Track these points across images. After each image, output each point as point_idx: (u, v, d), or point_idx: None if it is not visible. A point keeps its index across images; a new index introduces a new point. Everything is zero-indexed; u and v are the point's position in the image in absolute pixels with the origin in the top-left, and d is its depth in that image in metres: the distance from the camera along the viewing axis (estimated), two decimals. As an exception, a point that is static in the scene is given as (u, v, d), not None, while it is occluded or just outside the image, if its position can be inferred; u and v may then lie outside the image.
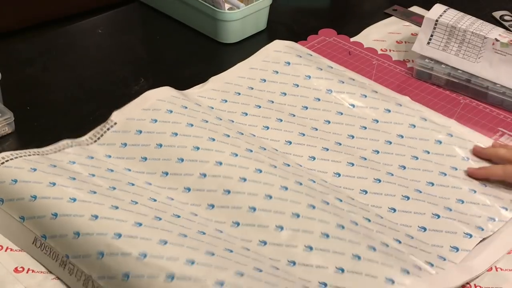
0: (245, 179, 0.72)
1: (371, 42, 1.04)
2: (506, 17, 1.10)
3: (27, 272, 0.66)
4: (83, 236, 0.64)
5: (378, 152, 0.80)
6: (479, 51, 0.93)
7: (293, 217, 0.69)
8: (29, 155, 0.73)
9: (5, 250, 0.68)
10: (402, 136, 0.83)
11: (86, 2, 1.85)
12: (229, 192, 0.71)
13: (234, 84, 0.90)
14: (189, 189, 0.72)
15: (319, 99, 0.87)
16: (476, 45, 0.93)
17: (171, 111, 0.80)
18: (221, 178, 0.72)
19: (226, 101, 0.86)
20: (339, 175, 0.77)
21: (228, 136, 0.78)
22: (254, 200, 0.70)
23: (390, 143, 0.82)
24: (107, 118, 0.81)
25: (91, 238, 0.63)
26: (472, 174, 0.79)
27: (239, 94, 0.88)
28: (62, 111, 0.89)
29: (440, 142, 0.82)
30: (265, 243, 0.67)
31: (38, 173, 0.69)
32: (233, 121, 0.83)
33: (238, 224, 0.68)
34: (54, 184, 0.68)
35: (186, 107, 0.81)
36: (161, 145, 0.76)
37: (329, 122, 0.84)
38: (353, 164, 0.78)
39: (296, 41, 1.03)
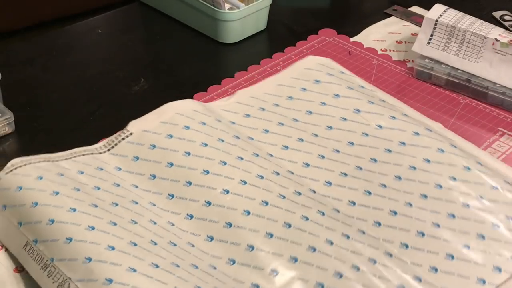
0: (248, 212, 0.70)
1: (371, 42, 1.04)
2: (506, 17, 1.10)
3: (27, 272, 0.66)
4: (75, 242, 0.63)
5: (400, 178, 0.75)
6: (479, 51, 0.93)
7: (290, 261, 0.66)
8: (39, 161, 0.73)
9: (5, 250, 0.68)
10: (428, 161, 0.76)
11: (86, 2, 1.85)
12: (230, 225, 0.69)
13: (259, 99, 0.86)
14: (191, 216, 0.70)
15: (345, 119, 0.82)
16: (476, 45, 0.93)
17: (188, 127, 0.78)
18: (225, 208, 0.70)
19: (249, 115, 0.83)
20: (354, 203, 0.73)
21: (242, 159, 0.75)
22: (255, 238, 0.68)
23: (414, 168, 0.76)
24: (107, 118, 0.81)
25: (83, 244, 0.63)
26: None
27: (263, 110, 0.84)
28: (62, 111, 0.89)
29: (469, 169, 0.75)
30: (257, 286, 0.64)
31: (44, 181, 0.69)
32: (252, 139, 0.80)
33: (233, 262, 0.66)
34: (57, 193, 0.68)
35: (204, 123, 0.79)
36: (172, 164, 0.75)
37: (352, 143, 0.79)
38: (370, 193, 0.74)
39: (296, 41, 1.03)
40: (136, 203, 0.71)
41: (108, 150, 0.77)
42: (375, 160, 0.77)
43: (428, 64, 0.95)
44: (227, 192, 0.72)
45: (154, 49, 1.05)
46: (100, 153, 0.77)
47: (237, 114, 0.84)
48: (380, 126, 0.81)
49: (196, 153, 0.75)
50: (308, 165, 0.78)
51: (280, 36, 1.07)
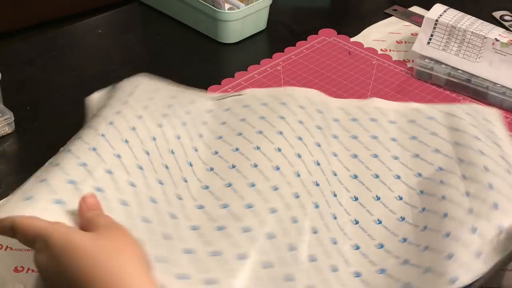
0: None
1: (371, 42, 1.04)
2: (506, 17, 1.10)
3: (27, 272, 0.66)
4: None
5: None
6: (479, 51, 0.93)
7: None
8: None
9: (5, 249, 0.68)
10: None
11: (86, 2, 1.85)
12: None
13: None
14: (226, 206, 0.68)
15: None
16: (476, 45, 0.93)
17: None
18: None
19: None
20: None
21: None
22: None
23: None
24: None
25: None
26: None
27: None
28: (62, 111, 0.89)
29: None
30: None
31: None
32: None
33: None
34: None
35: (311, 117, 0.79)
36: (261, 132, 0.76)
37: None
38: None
39: (296, 41, 1.03)
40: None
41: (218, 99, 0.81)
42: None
43: (428, 64, 0.95)
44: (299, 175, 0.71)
45: (154, 49, 1.05)
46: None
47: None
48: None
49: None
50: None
51: (280, 36, 1.07)
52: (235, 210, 0.67)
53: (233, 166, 0.73)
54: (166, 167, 0.71)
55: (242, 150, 0.74)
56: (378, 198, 0.72)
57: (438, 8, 0.98)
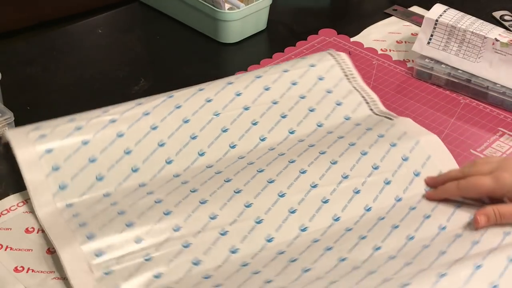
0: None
1: (371, 42, 1.04)
2: (506, 17, 1.10)
3: (27, 272, 0.66)
4: None
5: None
6: (479, 51, 0.93)
7: None
8: None
9: (5, 249, 0.68)
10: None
11: (86, 2, 1.85)
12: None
13: None
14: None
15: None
16: (476, 45, 0.93)
17: None
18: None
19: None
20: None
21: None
22: None
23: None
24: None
25: None
26: (429, 197, 0.75)
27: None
28: (62, 111, 0.88)
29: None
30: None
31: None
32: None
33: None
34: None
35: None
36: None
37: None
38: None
39: (296, 41, 1.03)
40: None
41: None
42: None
43: (428, 64, 0.95)
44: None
45: (154, 49, 1.05)
46: None
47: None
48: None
49: None
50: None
51: (280, 36, 1.07)
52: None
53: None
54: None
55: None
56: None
57: (438, 8, 0.98)
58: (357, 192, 0.74)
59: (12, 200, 0.75)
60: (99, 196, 0.74)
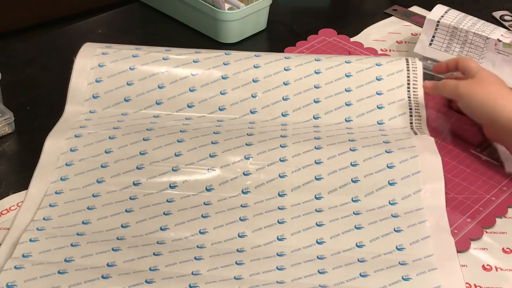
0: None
1: (371, 42, 1.04)
2: (506, 17, 1.10)
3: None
4: None
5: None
6: (482, 52, 0.93)
7: None
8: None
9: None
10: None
11: (86, 2, 1.85)
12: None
13: None
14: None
15: None
16: (478, 45, 0.93)
17: None
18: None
19: None
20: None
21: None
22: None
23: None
24: (107, 118, 0.81)
25: None
26: (425, 88, 0.86)
27: None
28: (62, 111, 0.88)
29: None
30: None
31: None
32: None
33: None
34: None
35: None
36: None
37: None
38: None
39: (296, 41, 1.03)
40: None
41: None
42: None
43: (431, 65, 0.95)
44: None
45: (154, 49, 1.05)
46: None
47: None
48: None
49: None
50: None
51: (280, 36, 1.07)
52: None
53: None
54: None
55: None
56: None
57: (439, 9, 0.98)
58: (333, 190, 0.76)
59: (12, 200, 0.75)
60: (118, 114, 0.84)
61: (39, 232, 0.69)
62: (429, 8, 0.99)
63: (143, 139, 0.78)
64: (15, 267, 0.64)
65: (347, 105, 0.85)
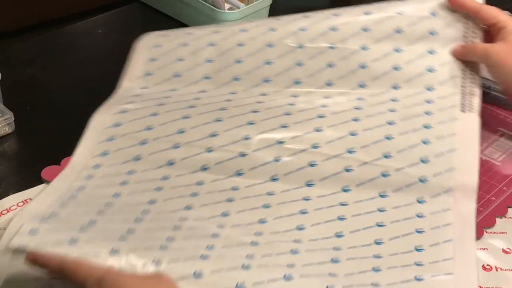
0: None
1: (371, 42, 1.04)
2: (506, 17, 1.10)
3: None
4: None
5: None
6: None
7: None
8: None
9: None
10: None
11: (86, 2, 1.85)
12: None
13: None
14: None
15: None
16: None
17: None
18: None
19: None
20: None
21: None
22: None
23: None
24: (107, 118, 0.81)
25: None
26: (456, 52, 0.80)
27: None
28: (62, 111, 0.89)
29: None
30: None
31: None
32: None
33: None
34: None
35: None
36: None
37: None
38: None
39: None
40: None
41: None
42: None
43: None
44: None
45: (154, 49, 1.05)
46: None
47: None
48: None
49: None
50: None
51: (280, 36, 1.07)
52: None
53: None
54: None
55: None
56: None
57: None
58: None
59: (12, 200, 0.75)
60: (167, 89, 0.84)
61: (69, 199, 0.70)
62: (429, 8, 0.98)
63: (182, 117, 0.78)
64: (41, 220, 0.65)
65: (395, 69, 0.82)
